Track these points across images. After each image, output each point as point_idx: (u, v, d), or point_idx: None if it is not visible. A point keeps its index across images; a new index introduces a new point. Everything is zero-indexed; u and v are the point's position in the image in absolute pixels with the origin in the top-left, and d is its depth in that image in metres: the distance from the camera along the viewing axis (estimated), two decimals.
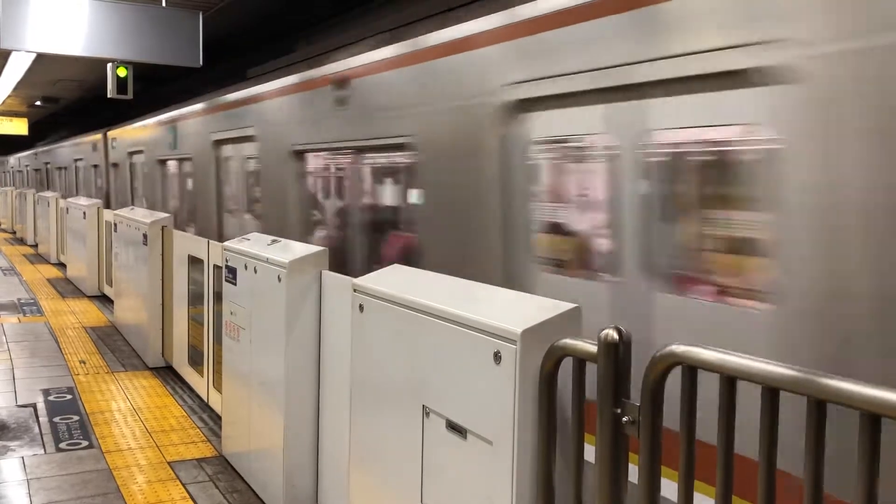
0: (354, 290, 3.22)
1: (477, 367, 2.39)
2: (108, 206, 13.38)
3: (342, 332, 3.62)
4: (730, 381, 1.68)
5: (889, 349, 2.26)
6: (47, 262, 15.94)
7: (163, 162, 11.23)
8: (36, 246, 18.41)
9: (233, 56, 11.23)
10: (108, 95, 9.96)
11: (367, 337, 3.15)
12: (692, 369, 1.77)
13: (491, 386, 2.32)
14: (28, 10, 7.41)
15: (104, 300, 11.15)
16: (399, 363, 2.89)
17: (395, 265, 3.48)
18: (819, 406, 1.50)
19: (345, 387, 3.46)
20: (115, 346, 8.37)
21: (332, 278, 3.96)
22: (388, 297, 2.97)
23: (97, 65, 10.34)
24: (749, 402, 1.77)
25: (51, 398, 6.31)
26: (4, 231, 24.60)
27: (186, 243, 6.77)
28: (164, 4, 8.38)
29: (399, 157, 5.31)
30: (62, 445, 5.24)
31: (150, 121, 11.76)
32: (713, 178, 3.17)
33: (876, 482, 1.41)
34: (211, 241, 6.00)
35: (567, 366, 2.16)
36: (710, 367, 1.71)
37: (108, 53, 7.94)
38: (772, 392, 1.59)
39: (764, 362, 1.61)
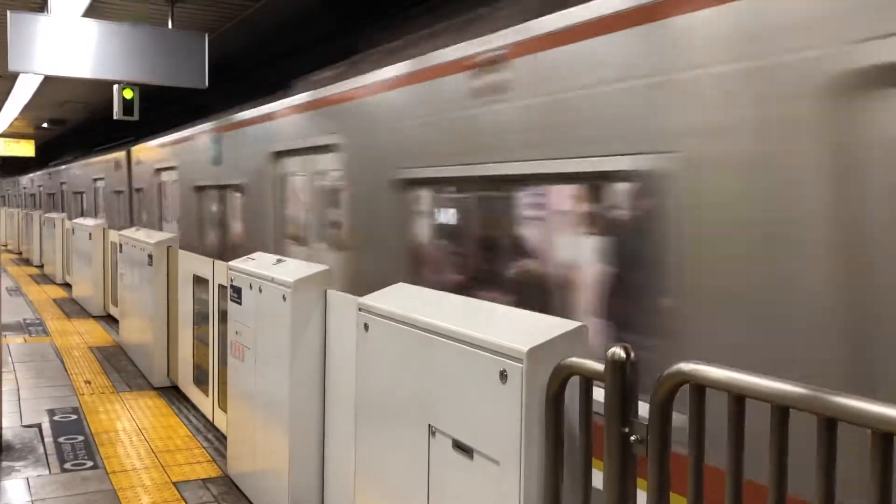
0: (359, 309, 3.21)
1: (483, 386, 2.37)
2: None
3: (347, 351, 3.61)
4: (738, 399, 1.66)
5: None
6: (53, 282, 15.97)
7: None
8: (42, 266, 18.46)
9: (239, 77, 11.30)
10: (115, 117, 10.01)
11: (372, 356, 3.13)
12: (700, 388, 1.75)
13: (497, 405, 2.31)
14: (36, 32, 7.47)
15: (110, 320, 11.15)
16: (404, 382, 2.87)
17: (401, 283, 3.47)
18: (829, 424, 1.48)
19: (350, 406, 3.44)
20: (120, 366, 8.36)
21: (337, 297, 3.96)
22: (394, 316, 2.96)
23: (103, 86, 10.41)
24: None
25: (56, 418, 6.29)
26: (10, 252, 24.68)
27: (191, 263, 6.78)
28: (170, 26, 8.45)
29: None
30: (67, 466, 5.22)
31: None
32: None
33: (889, 502, 1.39)
34: (216, 261, 6.00)
35: (575, 384, 2.15)
36: (719, 386, 1.69)
37: (115, 75, 7.98)
38: (781, 410, 1.57)
39: (773, 380, 1.60)
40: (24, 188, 30.91)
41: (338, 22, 8.43)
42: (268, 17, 9.01)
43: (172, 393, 7.22)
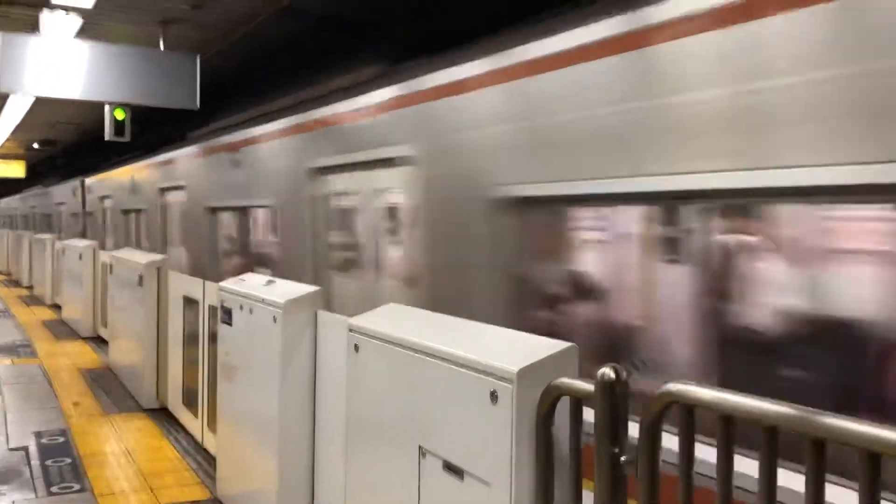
0: (350, 330, 3.21)
1: (473, 406, 2.37)
2: None
3: (338, 372, 3.60)
4: (727, 419, 1.67)
5: None
6: (42, 303, 15.88)
7: None
8: (31, 288, 18.35)
9: (231, 98, 11.34)
10: (106, 138, 10.01)
11: (362, 377, 3.13)
12: (689, 408, 1.76)
13: (488, 426, 2.30)
14: (27, 53, 7.49)
15: (99, 342, 11.08)
16: (395, 403, 2.86)
17: (391, 304, 3.47)
18: (818, 445, 1.49)
19: (340, 427, 3.43)
20: (109, 387, 8.30)
21: (328, 318, 3.95)
22: (384, 337, 2.96)
23: (95, 107, 10.42)
24: None
25: (43, 441, 6.23)
26: (0, 273, 24.54)
27: (182, 284, 6.76)
28: (161, 48, 8.48)
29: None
30: (54, 489, 5.16)
31: None
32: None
33: None
34: (206, 282, 5.98)
35: (566, 404, 2.15)
36: (707, 406, 1.70)
37: (107, 96, 8.00)
38: (770, 431, 1.58)
39: (761, 400, 1.60)
40: (108, 200, 14.92)
41: (330, 43, 8.48)
42: (259, 39, 9.06)
43: (161, 415, 7.17)
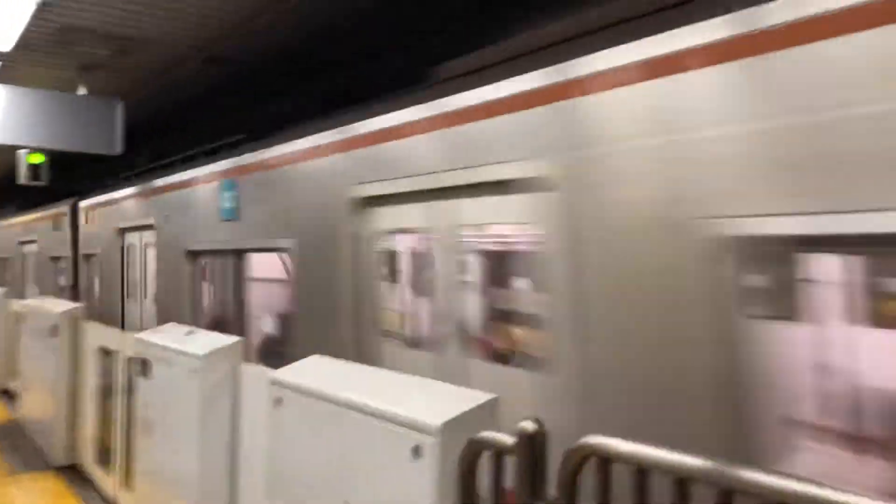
0: (272, 383, 3.16)
1: (396, 461, 2.36)
2: None
3: (260, 426, 3.52)
4: (641, 472, 1.70)
5: None
6: None
7: None
8: None
9: (159, 139, 11.15)
10: (18, 181, 9.69)
11: (284, 431, 3.07)
12: (605, 461, 1.79)
13: (411, 480, 2.29)
14: None
15: (8, 396, 10.55)
16: (318, 458, 2.82)
17: (316, 356, 3.44)
18: (727, 496, 1.53)
19: (262, 483, 3.35)
20: (17, 444, 7.89)
21: (250, 371, 3.88)
22: (307, 391, 2.92)
23: (10, 150, 10.09)
24: None
25: None
26: None
27: (98, 334, 6.53)
28: (82, 92, 8.31)
29: None
30: None
31: None
32: None
33: None
34: (124, 333, 5.80)
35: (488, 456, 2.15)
36: (624, 459, 1.73)
37: (23, 141, 7.78)
38: (681, 483, 1.62)
39: (675, 454, 1.65)
40: (137, 234, 8.79)
41: (255, 90, 8.47)
42: (182, 86, 8.98)
43: (73, 473, 6.85)
